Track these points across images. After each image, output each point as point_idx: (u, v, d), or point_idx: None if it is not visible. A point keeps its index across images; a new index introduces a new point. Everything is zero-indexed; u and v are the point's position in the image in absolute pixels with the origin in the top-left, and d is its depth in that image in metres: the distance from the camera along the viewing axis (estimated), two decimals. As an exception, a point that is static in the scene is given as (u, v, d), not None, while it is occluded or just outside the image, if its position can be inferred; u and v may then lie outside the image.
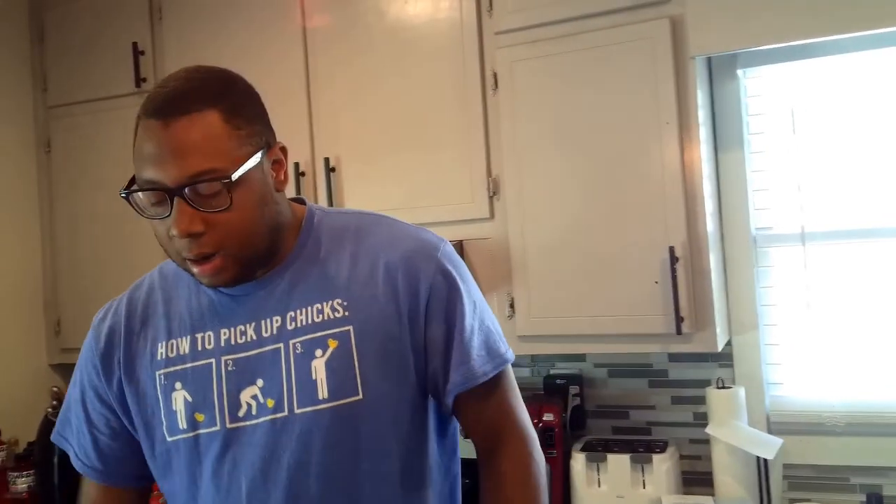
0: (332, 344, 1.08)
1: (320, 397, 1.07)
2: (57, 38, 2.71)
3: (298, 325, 1.10)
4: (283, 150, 1.13)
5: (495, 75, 2.11)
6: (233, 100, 1.06)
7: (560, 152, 2.05)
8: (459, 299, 1.14)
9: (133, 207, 1.06)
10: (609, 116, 1.99)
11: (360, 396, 1.08)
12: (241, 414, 1.09)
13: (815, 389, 2.14)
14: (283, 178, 1.12)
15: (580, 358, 2.35)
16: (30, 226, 2.74)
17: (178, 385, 1.13)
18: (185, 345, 1.14)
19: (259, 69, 2.38)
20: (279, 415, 1.08)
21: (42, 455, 2.42)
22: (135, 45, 2.53)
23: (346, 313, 1.10)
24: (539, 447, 1.19)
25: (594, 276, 2.00)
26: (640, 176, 1.96)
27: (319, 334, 1.09)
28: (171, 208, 1.02)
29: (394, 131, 2.22)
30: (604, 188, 2.00)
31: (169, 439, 1.14)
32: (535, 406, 2.18)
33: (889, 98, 2.07)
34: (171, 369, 1.14)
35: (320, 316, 1.10)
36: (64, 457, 2.35)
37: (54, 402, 2.56)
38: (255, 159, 1.06)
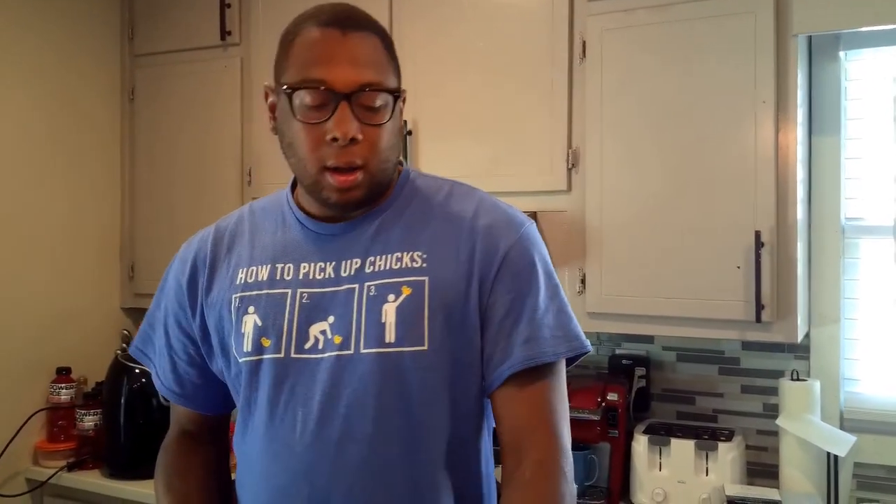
0: (406, 291, 1.10)
1: (387, 340, 1.08)
2: (146, -13, 2.74)
3: (376, 269, 1.12)
4: (405, 98, 1.17)
5: (584, 44, 2.06)
6: (387, 36, 1.13)
7: (645, 127, 1.99)
8: (534, 275, 1.13)
9: (289, 108, 1.08)
10: (701, 92, 1.93)
11: (425, 347, 1.08)
12: (307, 346, 1.11)
13: (894, 389, 2.06)
14: (403, 127, 1.16)
15: (648, 340, 2.30)
16: (111, 171, 2.80)
17: (250, 309, 1.15)
18: (264, 272, 1.17)
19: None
20: (345, 352, 1.09)
21: (110, 395, 2.48)
22: (222, -3, 2.54)
23: (424, 265, 1.11)
24: (572, 466, 1.09)
25: (672, 257, 1.95)
26: (730, 156, 1.90)
27: (395, 280, 1.10)
28: (332, 113, 1.06)
29: (475, 97, 2.19)
30: (689, 166, 1.94)
31: (239, 362, 1.16)
32: (600, 385, 2.15)
33: None
34: (247, 294, 1.16)
35: (398, 264, 1.11)
36: (131, 398, 2.45)
37: (124, 345, 2.62)
38: (402, 94, 1.13)
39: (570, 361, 1.15)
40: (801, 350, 2.12)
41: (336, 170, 1.07)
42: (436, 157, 2.24)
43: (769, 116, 1.86)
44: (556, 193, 2.10)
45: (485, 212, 1.16)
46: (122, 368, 2.47)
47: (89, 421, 2.53)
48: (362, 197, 1.11)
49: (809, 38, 2.04)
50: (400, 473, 1.08)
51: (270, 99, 1.15)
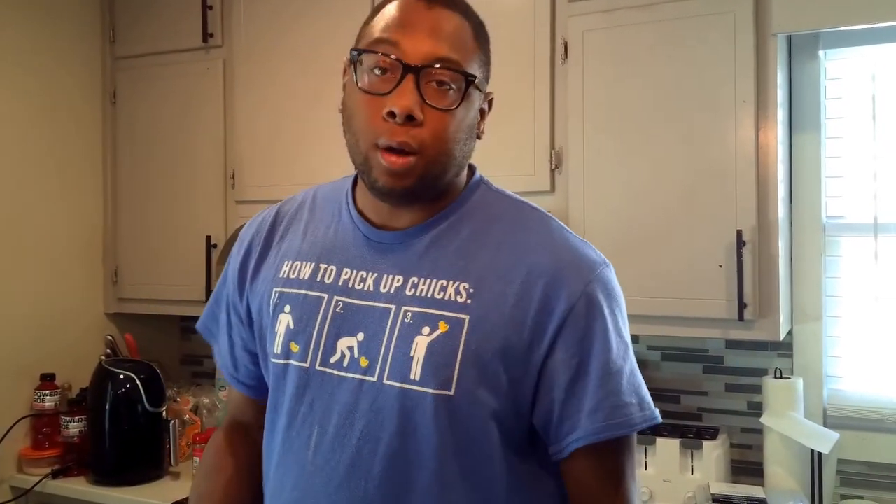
0: (443, 327, 0.99)
1: (412, 377, 0.99)
2: (127, -11, 2.73)
3: (418, 293, 1.02)
4: (491, 102, 1.10)
5: (566, 45, 2.06)
6: (480, 25, 1.07)
7: (628, 127, 2.00)
8: (603, 332, 1.00)
9: (352, 73, 1.02)
10: (682, 92, 1.93)
11: (451, 393, 0.98)
12: (332, 360, 1.05)
13: (875, 385, 2.08)
14: (482, 127, 1.09)
15: (633, 340, 2.30)
16: (94, 175, 2.77)
17: (287, 308, 1.10)
18: (307, 270, 1.11)
19: (323, 27, 2.37)
20: (368, 378, 1.02)
21: (95, 401, 2.46)
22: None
23: (469, 301, 1.00)
24: None
25: (655, 257, 1.96)
26: (712, 156, 1.90)
27: (434, 311, 1.00)
28: (397, 85, 0.98)
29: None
30: (672, 166, 1.95)
31: (270, 358, 1.13)
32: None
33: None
34: (287, 290, 1.12)
35: (442, 293, 1.01)
36: (116, 404, 2.43)
37: (108, 351, 2.60)
38: (484, 85, 1.06)
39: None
40: (785, 348, 2.13)
41: (388, 149, 0.98)
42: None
43: (749, 116, 1.87)
44: (539, 194, 2.10)
45: (553, 247, 1.03)
46: (106, 374, 2.45)
47: (74, 427, 2.50)
48: (413, 186, 1.00)
49: (789, 38, 2.05)
50: None
51: (346, 77, 1.06)
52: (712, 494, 1.91)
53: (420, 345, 1.00)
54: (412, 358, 0.99)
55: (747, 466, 2.14)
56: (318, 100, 2.32)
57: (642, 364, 2.23)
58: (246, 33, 2.49)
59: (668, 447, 2.05)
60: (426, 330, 1.00)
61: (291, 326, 1.09)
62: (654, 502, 2.04)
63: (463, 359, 0.98)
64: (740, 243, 1.85)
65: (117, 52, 2.74)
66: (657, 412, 1.03)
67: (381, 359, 1.01)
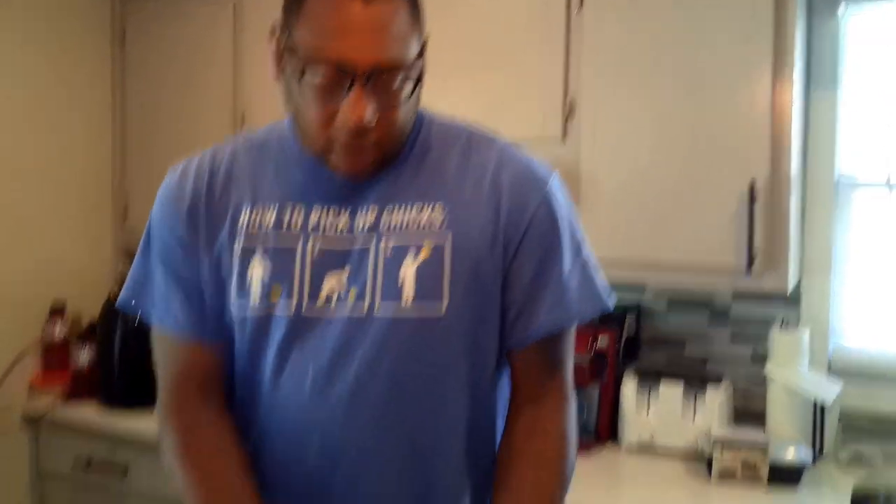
0: (425, 252, 1.04)
1: (403, 304, 1.03)
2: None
3: (395, 222, 1.06)
4: (425, 45, 1.08)
5: (583, -9, 2.04)
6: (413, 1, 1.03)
7: (642, 78, 1.99)
8: (560, 235, 1.09)
9: (299, 78, 0.98)
10: (699, 45, 1.93)
11: (443, 312, 1.04)
12: (319, 305, 1.05)
13: (881, 339, 2.11)
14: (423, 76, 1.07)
15: (639, 289, 2.33)
16: (102, 113, 2.78)
17: (256, 259, 1.07)
18: (270, 214, 1.08)
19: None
20: (358, 314, 1.04)
21: (104, 334, 2.50)
22: (215, -65, 2.49)
23: (446, 222, 1.05)
24: (575, 414, 1.14)
25: (667, 207, 1.97)
26: (727, 110, 1.90)
27: (414, 238, 1.05)
28: (346, 92, 0.96)
29: (471, 47, 2.16)
30: (686, 118, 1.95)
31: (236, 314, 1.08)
32: (590, 331, 2.18)
33: None
34: (252, 238, 1.08)
35: (419, 219, 1.05)
36: (126, 336, 2.46)
37: (118, 287, 2.62)
38: (420, 52, 1.03)
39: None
40: (791, 301, 2.15)
41: (345, 152, 1.01)
42: (427, 101, 2.21)
43: (766, 70, 1.86)
44: (551, 143, 2.10)
45: (508, 164, 1.09)
46: (115, 307, 2.48)
47: (83, 357, 2.54)
48: (372, 171, 1.05)
49: (809, -8, 2.04)
50: (415, 435, 1.07)
51: (276, 42, 1.03)
52: (714, 436, 1.95)
53: (407, 273, 1.04)
54: (401, 287, 1.03)
55: (750, 415, 2.17)
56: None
57: (649, 311, 2.28)
58: (257, -29, 2.45)
59: (671, 392, 2.09)
60: (410, 257, 1.04)
61: (267, 276, 1.06)
62: (654, 446, 2.09)
63: (452, 277, 1.04)
64: (753, 195, 1.86)
65: (127, -6, 2.71)
66: (608, 301, 1.12)
67: (369, 293, 1.04)
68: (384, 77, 0.97)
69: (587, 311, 1.10)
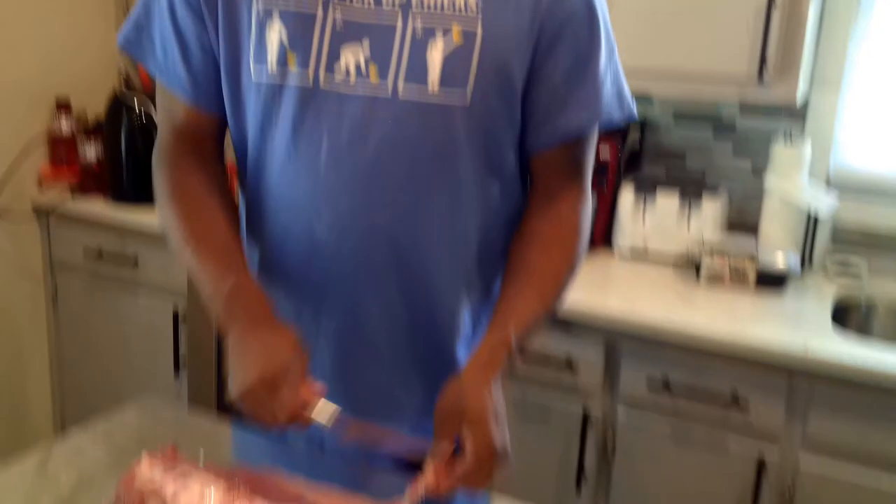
0: (457, 37, 1.00)
1: (429, 90, 1.00)
2: None
3: (425, 3, 1.00)
4: None
5: None
6: None
7: None
8: (598, 34, 1.05)
9: None
10: None
11: (467, 103, 1.01)
12: (337, 76, 1.01)
13: (881, 157, 2.11)
14: None
15: (646, 102, 2.30)
16: None
17: (275, 18, 1.02)
18: None
19: None
20: (381, 92, 1.01)
21: (110, 129, 2.50)
22: None
23: (479, 12, 1.00)
24: (590, 217, 1.16)
25: (681, 12, 1.91)
26: None
27: (445, 20, 1.00)
28: None
29: None
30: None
31: (253, 80, 1.05)
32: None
33: None
34: (271, 1, 1.02)
35: (451, 1, 1.00)
36: (132, 132, 2.47)
37: (123, 83, 2.60)
38: None
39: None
40: (797, 117, 2.13)
41: None
42: None
43: None
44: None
45: None
46: (121, 104, 2.47)
47: (90, 153, 2.56)
48: None
49: None
50: (426, 224, 1.06)
51: None
52: (705, 242, 2.00)
53: (435, 57, 1.00)
54: (427, 70, 1.00)
55: (744, 227, 2.21)
56: None
57: (654, 124, 2.27)
58: None
59: (667, 202, 2.12)
60: (439, 39, 1.00)
61: (285, 39, 1.02)
62: (647, 253, 2.14)
63: (478, 69, 1.00)
64: (771, 2, 1.80)
65: None
66: (634, 110, 1.14)
67: (392, 72, 1.00)
68: None
69: (617, 113, 1.10)
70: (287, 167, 1.06)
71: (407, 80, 1.00)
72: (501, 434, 0.96)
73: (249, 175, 1.12)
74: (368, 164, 1.02)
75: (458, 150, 1.04)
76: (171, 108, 1.13)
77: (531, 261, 1.11)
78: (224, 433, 1.18)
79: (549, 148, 1.10)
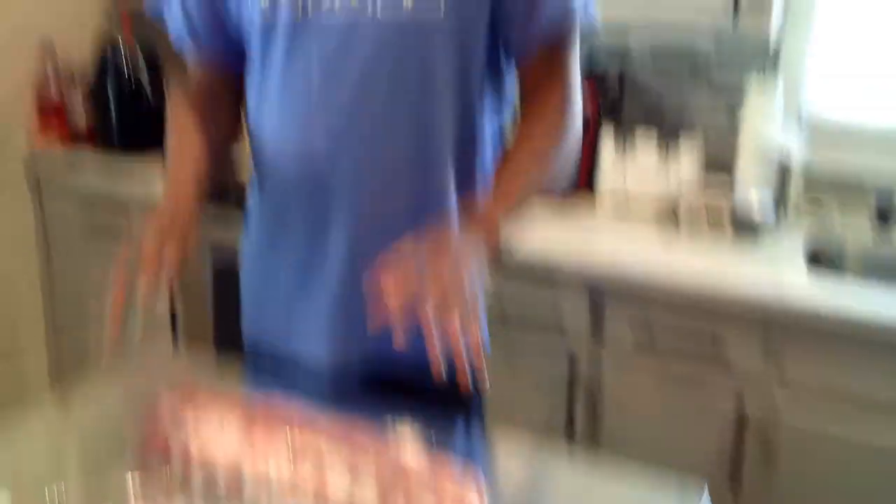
0: None
1: (403, 7, 1.08)
2: None
3: None
4: None
5: None
6: None
7: None
8: None
9: None
10: None
11: (441, 16, 1.09)
12: (323, 7, 1.10)
13: (855, 101, 2.16)
14: None
15: (625, 54, 2.34)
16: None
17: None
18: None
19: None
20: (362, 17, 1.09)
21: (97, 86, 2.51)
22: None
23: None
24: (580, 119, 1.19)
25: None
26: None
27: None
28: None
29: None
30: None
31: (251, 21, 1.16)
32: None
33: None
34: None
35: None
36: (119, 81, 2.46)
37: (109, 46, 2.57)
38: None
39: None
40: (772, 62, 2.17)
41: None
42: None
43: None
44: None
45: None
46: (109, 67, 2.48)
47: (78, 102, 2.57)
48: None
49: None
50: (409, 127, 1.14)
51: None
52: (682, 181, 2.07)
53: None
54: None
55: (720, 163, 2.23)
56: None
57: (631, 72, 2.30)
58: None
59: (646, 145, 2.16)
60: None
61: None
62: (628, 196, 2.19)
63: None
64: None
65: None
66: (597, 24, 1.19)
67: None
68: None
69: (583, 15, 1.16)
70: (283, 101, 1.16)
71: (382, 4, 1.08)
72: (469, 273, 0.97)
73: (254, 112, 1.21)
74: (355, 83, 1.11)
75: (436, 63, 1.12)
76: (179, 52, 1.28)
77: (520, 141, 1.17)
78: (231, 368, 1.24)
79: (530, 54, 1.17)
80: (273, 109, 1.18)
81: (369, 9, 1.09)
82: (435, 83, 1.13)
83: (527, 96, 1.21)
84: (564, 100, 1.18)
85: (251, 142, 1.25)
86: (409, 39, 1.10)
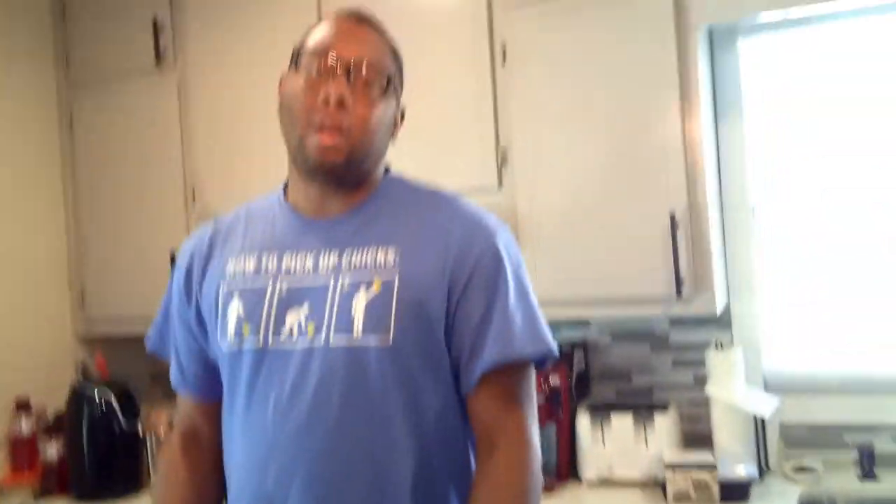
0: (377, 287, 1.15)
1: (354, 334, 1.14)
2: (78, 15, 2.79)
3: (352, 264, 1.18)
4: (403, 114, 1.29)
5: (504, 48, 2.18)
6: (397, 52, 1.26)
7: (567, 122, 2.12)
8: (504, 280, 1.18)
9: (295, 69, 1.21)
10: (614, 86, 2.06)
11: (390, 342, 1.13)
12: (283, 337, 1.18)
13: (809, 351, 2.22)
14: (397, 133, 1.28)
15: (585, 325, 2.42)
16: (54, 199, 2.81)
17: (235, 299, 1.22)
18: (250, 263, 1.24)
19: (271, 41, 2.45)
20: (316, 343, 1.15)
21: (71, 423, 2.50)
22: (154, 20, 2.60)
23: (397, 261, 1.16)
24: (540, 464, 1.18)
25: (599, 242, 2.08)
26: (644, 144, 2.03)
27: (367, 275, 1.16)
28: (332, 78, 1.17)
29: (409, 106, 2.27)
30: (609, 156, 2.07)
31: (218, 352, 1.25)
32: (542, 371, 2.25)
33: (884, 63, 2.13)
34: (233, 283, 1.24)
35: (373, 260, 1.17)
36: (93, 424, 2.46)
37: (80, 375, 2.64)
38: (399, 95, 1.26)
39: (538, 364, 1.22)
40: (725, 322, 2.25)
41: (321, 128, 1.16)
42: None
43: (675, 105, 2.00)
44: (488, 190, 2.21)
45: (461, 216, 1.22)
46: (80, 396, 2.50)
47: (52, 449, 2.54)
48: (342, 163, 1.17)
49: (710, 29, 2.19)
50: (361, 461, 1.14)
51: (281, 81, 1.26)
52: (665, 462, 2.02)
53: (358, 305, 1.15)
54: (353, 318, 1.15)
55: (698, 436, 2.25)
56: (270, 113, 2.38)
57: (594, 346, 2.37)
58: (197, 52, 2.57)
59: (622, 422, 2.16)
60: (362, 292, 1.16)
61: (241, 313, 1.21)
62: (613, 478, 2.15)
63: (397, 312, 1.14)
64: (674, 224, 1.97)
65: (72, 78, 2.79)
66: (553, 346, 1.20)
67: (325, 324, 1.16)
68: (364, 72, 1.18)
69: (530, 349, 1.17)
70: (245, 428, 1.21)
71: (336, 330, 1.15)
72: None
73: (224, 439, 1.27)
74: (304, 415, 1.14)
75: (384, 388, 1.14)
76: (178, 400, 1.40)
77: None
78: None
79: (474, 386, 1.17)
80: (237, 448, 1.22)
81: (323, 337, 1.15)
82: (387, 410, 1.14)
83: (478, 428, 1.19)
84: (519, 445, 1.16)
85: (224, 454, 1.28)
86: (356, 366, 1.14)
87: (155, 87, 2.64)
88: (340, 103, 1.15)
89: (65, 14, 2.81)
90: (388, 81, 1.21)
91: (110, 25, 2.71)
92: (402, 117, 1.29)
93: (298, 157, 1.21)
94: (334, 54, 1.18)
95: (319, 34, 1.22)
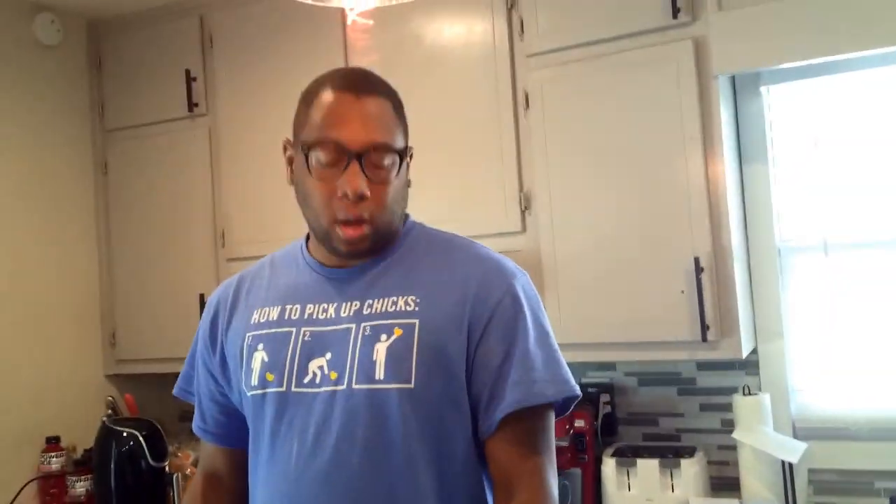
0: (398, 332, 1.17)
1: (377, 377, 1.16)
2: (114, 66, 2.88)
3: (373, 311, 1.20)
4: (412, 154, 1.29)
5: (527, 95, 2.22)
6: (398, 99, 1.26)
7: (589, 168, 2.14)
8: (524, 323, 1.19)
9: (305, 164, 1.20)
10: (636, 133, 2.08)
11: (412, 385, 1.15)
12: (306, 381, 1.20)
13: (839, 396, 2.20)
14: (408, 175, 1.28)
15: (611, 367, 2.42)
16: (88, 242, 2.89)
17: (259, 346, 1.25)
18: (274, 312, 1.27)
19: (298, 89, 2.50)
20: (339, 387, 1.17)
21: (100, 461, 2.53)
22: (187, 71, 2.68)
23: (417, 308, 1.19)
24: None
25: (623, 287, 2.09)
26: (667, 190, 2.05)
27: (388, 321, 1.18)
28: (344, 170, 1.17)
29: (430, 150, 2.31)
30: (631, 201, 2.09)
31: (247, 395, 1.26)
32: (567, 415, 2.25)
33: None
34: (258, 332, 1.27)
35: (394, 307, 1.20)
36: (121, 462, 2.51)
37: (109, 411, 2.69)
38: (409, 152, 1.26)
39: (561, 408, 1.21)
40: (752, 366, 2.25)
41: (346, 223, 1.18)
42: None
43: (698, 152, 2.02)
44: (512, 234, 2.24)
45: (479, 262, 1.24)
46: (109, 433, 2.53)
47: (80, 487, 2.59)
48: (369, 248, 1.21)
49: (733, 77, 2.21)
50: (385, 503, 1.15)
51: (288, 153, 1.27)
52: (692, 508, 2.01)
53: (380, 350, 1.17)
54: (375, 362, 1.17)
55: (725, 481, 2.24)
56: (299, 159, 2.46)
57: (621, 389, 2.37)
58: (228, 101, 2.65)
59: (648, 467, 2.15)
60: (384, 337, 1.18)
61: (266, 360, 1.24)
62: (639, 522, 2.14)
63: (418, 355, 1.16)
64: (698, 269, 1.98)
65: (107, 125, 2.88)
66: (575, 387, 1.20)
67: (348, 369, 1.18)
68: (374, 156, 1.18)
69: (551, 391, 1.17)
70: (268, 472, 1.22)
71: (358, 375, 1.17)
72: None
73: (250, 482, 1.28)
74: (330, 460, 1.16)
75: (407, 431, 1.15)
76: (201, 444, 1.44)
77: None
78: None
79: (494, 430, 1.17)
80: (260, 478, 1.24)
81: (346, 380, 1.17)
82: (410, 449, 1.15)
83: (496, 473, 1.18)
84: (535, 492, 1.15)
85: (249, 500, 1.29)
86: (379, 409, 1.15)
87: (187, 135, 2.72)
88: (360, 197, 1.17)
89: (101, 66, 2.91)
90: (400, 156, 1.22)
91: (144, 76, 2.80)
92: (411, 156, 1.29)
93: (325, 243, 1.24)
94: (343, 142, 1.17)
95: (321, 115, 1.19)
